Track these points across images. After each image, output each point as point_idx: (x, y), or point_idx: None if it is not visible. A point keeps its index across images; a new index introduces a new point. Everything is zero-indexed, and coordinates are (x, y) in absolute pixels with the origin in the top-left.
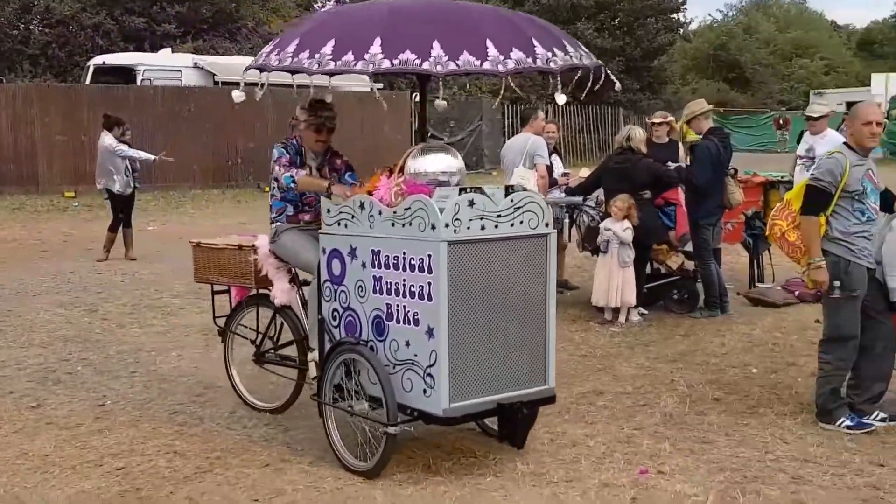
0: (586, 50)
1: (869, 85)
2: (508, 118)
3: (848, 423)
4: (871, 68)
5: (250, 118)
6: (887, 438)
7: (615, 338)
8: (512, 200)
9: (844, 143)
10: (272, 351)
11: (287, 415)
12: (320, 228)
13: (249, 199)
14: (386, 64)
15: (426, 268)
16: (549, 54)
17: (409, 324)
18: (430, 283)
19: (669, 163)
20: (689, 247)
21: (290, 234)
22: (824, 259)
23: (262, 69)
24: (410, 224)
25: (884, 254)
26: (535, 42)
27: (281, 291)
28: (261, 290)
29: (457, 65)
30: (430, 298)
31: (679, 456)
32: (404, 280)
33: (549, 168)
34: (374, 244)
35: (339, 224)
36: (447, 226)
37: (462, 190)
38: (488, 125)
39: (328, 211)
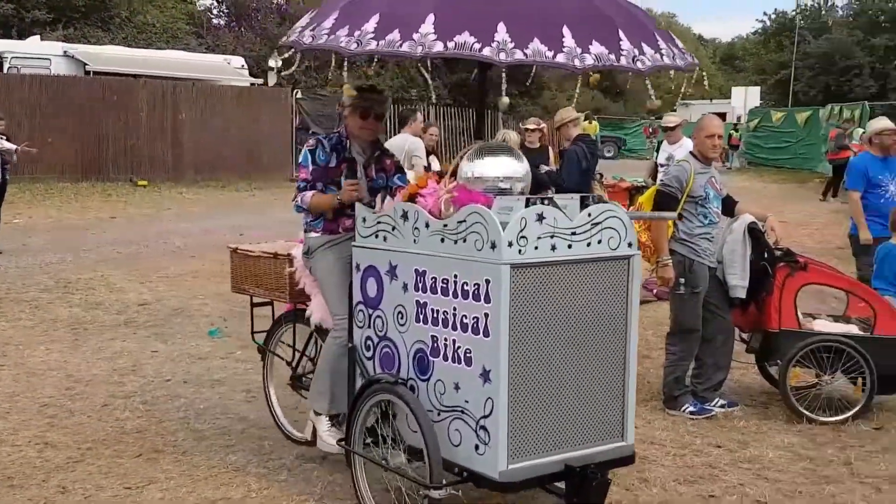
0: (681, 46)
1: (730, 97)
2: (392, 115)
3: (691, 408)
4: (733, 81)
5: (123, 110)
6: (725, 423)
7: None
8: (589, 214)
9: (690, 152)
10: (310, 374)
11: (157, 407)
12: None
13: (121, 194)
14: (438, 47)
15: (482, 295)
16: (637, 52)
17: (460, 362)
18: (486, 315)
19: (541, 166)
20: None
21: (324, 255)
22: (671, 258)
23: (294, 47)
24: (465, 241)
25: (724, 254)
26: (622, 34)
27: (318, 308)
28: (299, 306)
29: (524, 53)
30: (486, 333)
31: None
32: (454, 308)
33: (427, 169)
34: (418, 263)
35: (376, 236)
36: (510, 245)
37: (529, 201)
38: None
39: (364, 220)
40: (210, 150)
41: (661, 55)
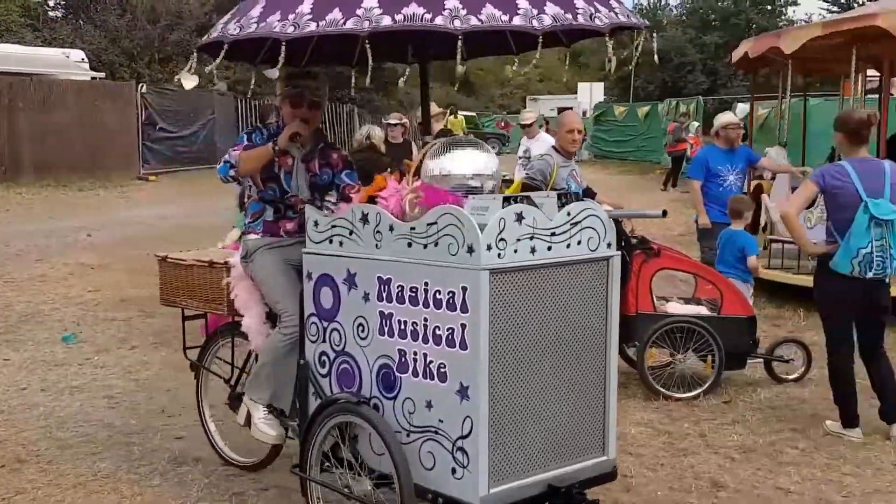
0: (630, 9)
1: (576, 93)
2: (242, 113)
3: None
4: (579, 77)
5: None
6: None
7: None
8: (569, 213)
9: (553, 146)
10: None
11: (15, 416)
12: None
13: None
14: (386, 21)
15: (458, 304)
16: (592, 9)
17: (433, 378)
18: (464, 326)
19: (405, 162)
20: None
21: (264, 256)
22: None
23: (222, 41)
24: (436, 245)
25: None
26: None
27: (252, 328)
28: (237, 318)
29: (479, 20)
30: (463, 346)
31: None
32: (425, 320)
33: None
34: (381, 270)
35: (330, 241)
36: (489, 248)
37: (507, 200)
38: (222, 119)
39: (315, 224)
40: (50, 147)
41: (616, 13)
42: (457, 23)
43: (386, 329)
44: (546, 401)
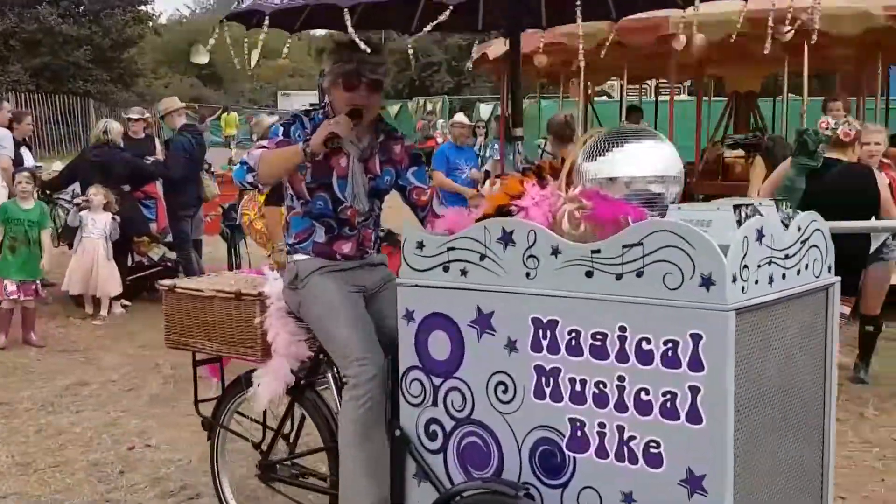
0: None
1: None
2: None
3: None
4: None
5: None
6: None
7: (98, 331)
8: (799, 228)
9: None
10: (288, 461)
11: None
12: (381, 272)
13: None
14: None
15: (684, 359)
16: None
17: (634, 461)
18: (694, 389)
19: (147, 157)
20: (170, 238)
21: (324, 282)
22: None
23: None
24: (639, 275)
25: None
26: None
27: (275, 372)
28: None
29: None
30: (693, 417)
31: (166, 430)
32: (621, 379)
33: (17, 164)
34: (540, 308)
35: (445, 269)
36: (734, 280)
37: (737, 209)
38: None
39: (419, 245)
40: None
41: None
42: None
43: (548, 391)
44: (780, 476)
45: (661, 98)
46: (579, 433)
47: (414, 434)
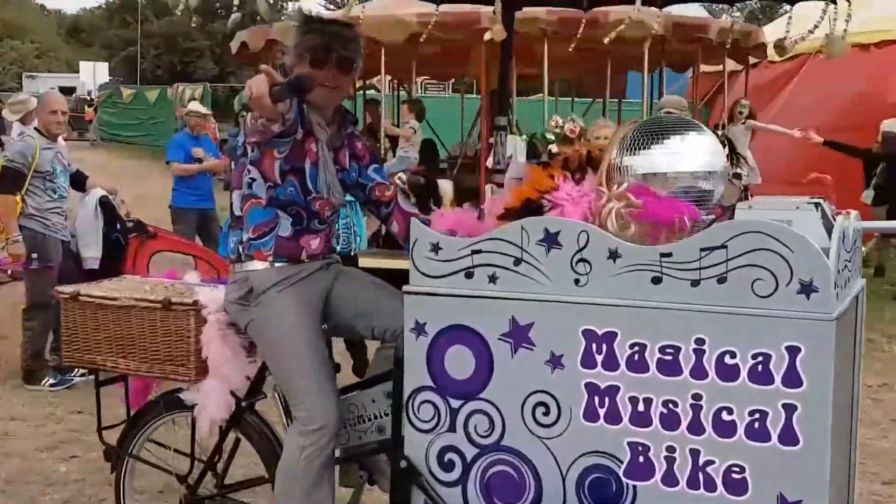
0: None
1: (78, 72)
2: None
3: (52, 381)
4: (81, 55)
5: None
6: (87, 390)
7: None
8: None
9: (35, 128)
10: (218, 494)
11: None
12: (333, 268)
13: None
14: None
15: (778, 374)
16: None
17: (712, 489)
18: (789, 408)
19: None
20: None
21: (283, 302)
22: (21, 234)
23: None
24: (723, 281)
25: (77, 227)
26: None
27: (214, 393)
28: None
29: None
30: (787, 438)
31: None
32: (698, 397)
33: None
34: (592, 319)
35: (468, 276)
36: (835, 286)
37: (818, 206)
38: None
39: (434, 248)
40: None
41: None
42: None
43: (602, 412)
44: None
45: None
46: (641, 458)
47: (423, 464)
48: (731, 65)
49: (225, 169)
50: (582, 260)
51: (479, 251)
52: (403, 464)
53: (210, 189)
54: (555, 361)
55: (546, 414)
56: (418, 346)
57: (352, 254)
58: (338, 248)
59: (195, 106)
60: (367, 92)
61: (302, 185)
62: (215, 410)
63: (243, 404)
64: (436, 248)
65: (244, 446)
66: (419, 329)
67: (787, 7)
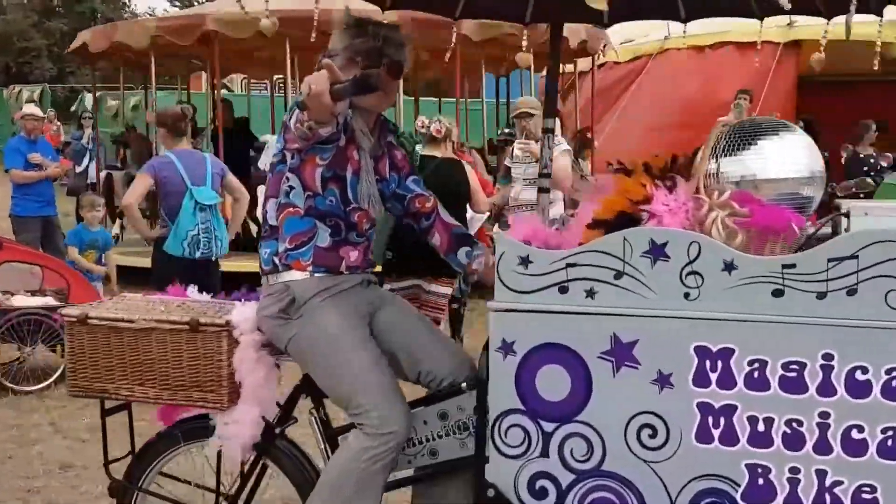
0: None
1: None
2: None
3: None
4: None
5: None
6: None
7: None
8: None
9: None
10: None
11: None
12: (373, 289)
13: None
14: None
15: None
16: None
17: None
18: None
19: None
20: None
21: (326, 313)
22: None
23: None
24: (853, 292)
25: None
26: None
27: (246, 420)
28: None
29: None
30: None
31: None
32: (825, 415)
33: None
34: (707, 335)
35: (563, 290)
36: None
37: None
38: None
39: (523, 262)
40: None
41: None
42: None
43: (717, 433)
44: None
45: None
46: (761, 481)
47: (512, 492)
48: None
49: (66, 173)
50: (693, 272)
51: (574, 264)
52: (491, 493)
53: (52, 195)
54: (662, 380)
55: (653, 436)
56: (506, 367)
57: (213, 258)
58: (197, 253)
59: (30, 108)
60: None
61: (342, 194)
62: (248, 439)
63: (277, 430)
64: (525, 261)
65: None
66: (507, 348)
67: None
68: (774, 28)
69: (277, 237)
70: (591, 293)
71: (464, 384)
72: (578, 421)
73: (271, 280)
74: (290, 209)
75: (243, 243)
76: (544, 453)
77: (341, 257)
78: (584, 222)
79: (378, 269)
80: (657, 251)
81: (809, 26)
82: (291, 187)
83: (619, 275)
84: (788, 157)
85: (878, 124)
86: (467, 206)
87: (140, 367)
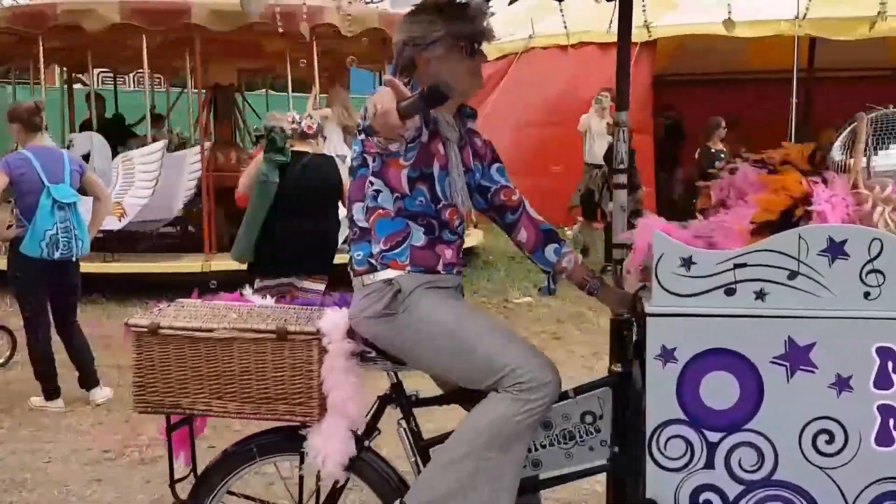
0: None
1: None
2: None
3: None
4: None
5: None
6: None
7: None
8: None
9: None
10: None
11: None
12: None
13: None
14: None
15: None
16: None
17: None
18: None
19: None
20: None
21: (434, 295)
22: None
23: None
24: None
25: None
26: None
27: (336, 433)
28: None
29: None
30: None
31: None
32: None
33: None
34: (889, 335)
35: (729, 293)
36: None
37: None
38: None
39: (686, 262)
40: None
41: None
42: None
43: None
44: None
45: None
46: None
47: None
48: None
49: None
50: (874, 271)
51: (744, 265)
52: None
53: None
54: (841, 384)
55: (829, 442)
56: (665, 375)
57: (73, 259)
58: (57, 254)
59: None
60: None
61: (431, 193)
62: (339, 453)
63: (365, 443)
64: (688, 262)
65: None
66: (667, 355)
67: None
68: (633, 28)
69: (370, 239)
70: (761, 295)
71: (570, 391)
72: (748, 429)
73: (366, 280)
74: (380, 211)
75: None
76: (709, 464)
77: (438, 255)
78: (735, 222)
79: (245, 266)
80: (835, 249)
81: (665, 26)
82: (378, 191)
83: (793, 275)
84: None
85: (729, 120)
86: (339, 204)
87: (219, 380)
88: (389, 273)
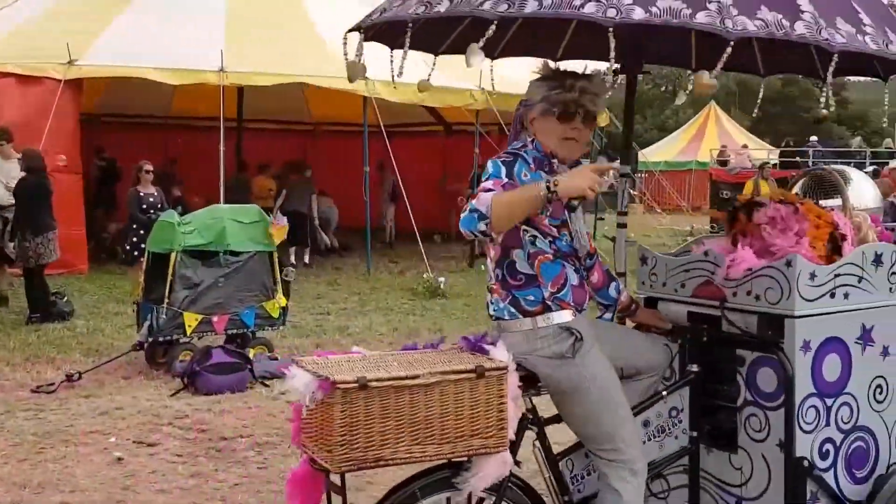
0: None
1: None
2: None
3: None
4: None
5: None
6: None
7: None
8: None
9: None
10: None
11: None
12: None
13: None
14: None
15: None
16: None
17: None
18: None
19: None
20: None
21: (598, 356)
22: None
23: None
24: None
25: None
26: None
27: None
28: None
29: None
30: None
31: None
32: None
33: None
34: None
35: (832, 296)
36: None
37: None
38: None
39: (812, 276)
40: None
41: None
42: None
43: None
44: None
45: None
46: None
47: (814, 458)
48: None
49: None
50: (895, 272)
51: (839, 274)
52: (806, 462)
53: None
54: (885, 352)
55: (881, 393)
56: (805, 361)
57: None
58: None
59: None
60: None
61: (570, 235)
62: (499, 465)
63: (514, 471)
64: (813, 275)
65: None
66: (805, 347)
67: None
68: (56, 64)
69: (539, 284)
70: (846, 295)
71: (662, 391)
72: (846, 392)
73: (540, 322)
74: (541, 256)
75: None
76: (826, 423)
77: (585, 292)
78: (786, 242)
79: None
80: (878, 260)
81: (90, 66)
82: (534, 236)
83: (860, 279)
84: (867, 192)
85: (166, 163)
86: None
87: (419, 425)
88: (565, 315)
